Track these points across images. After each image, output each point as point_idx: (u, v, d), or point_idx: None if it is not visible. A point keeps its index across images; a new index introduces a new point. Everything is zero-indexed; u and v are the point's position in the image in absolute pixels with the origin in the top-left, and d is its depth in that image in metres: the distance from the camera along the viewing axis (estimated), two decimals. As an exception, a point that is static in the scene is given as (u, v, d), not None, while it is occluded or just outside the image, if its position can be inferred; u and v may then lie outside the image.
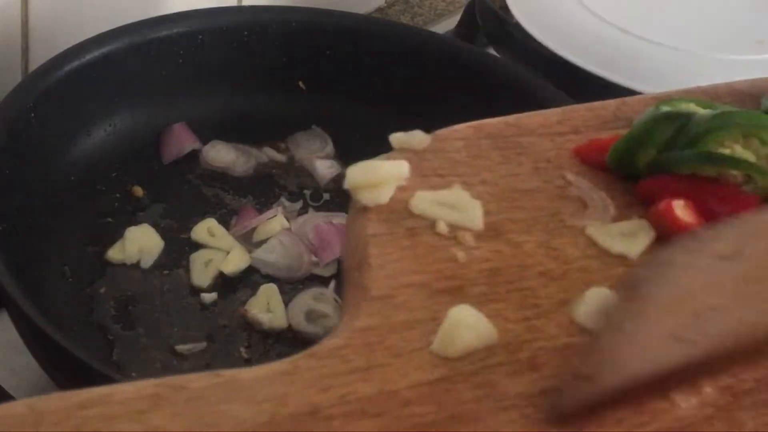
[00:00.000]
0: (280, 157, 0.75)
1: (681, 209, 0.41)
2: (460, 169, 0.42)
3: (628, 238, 0.41)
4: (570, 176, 0.44)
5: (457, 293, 0.37)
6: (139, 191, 0.70)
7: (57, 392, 0.30)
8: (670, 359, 0.34)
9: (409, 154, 0.42)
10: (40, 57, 0.70)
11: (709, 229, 0.39)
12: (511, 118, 0.45)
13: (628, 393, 0.34)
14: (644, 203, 0.43)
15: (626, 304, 0.36)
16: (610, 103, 0.48)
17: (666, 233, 0.41)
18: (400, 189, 0.40)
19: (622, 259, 0.40)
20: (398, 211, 0.40)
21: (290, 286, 0.65)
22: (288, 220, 0.69)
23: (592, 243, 0.41)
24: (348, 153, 0.75)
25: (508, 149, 0.44)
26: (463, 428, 0.32)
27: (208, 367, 0.60)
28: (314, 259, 0.67)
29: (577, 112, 0.47)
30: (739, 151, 0.43)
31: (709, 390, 0.36)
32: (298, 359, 0.33)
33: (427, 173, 0.41)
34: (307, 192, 0.73)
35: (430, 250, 0.38)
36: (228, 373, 0.32)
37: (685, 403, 0.35)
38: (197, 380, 0.32)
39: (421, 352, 0.35)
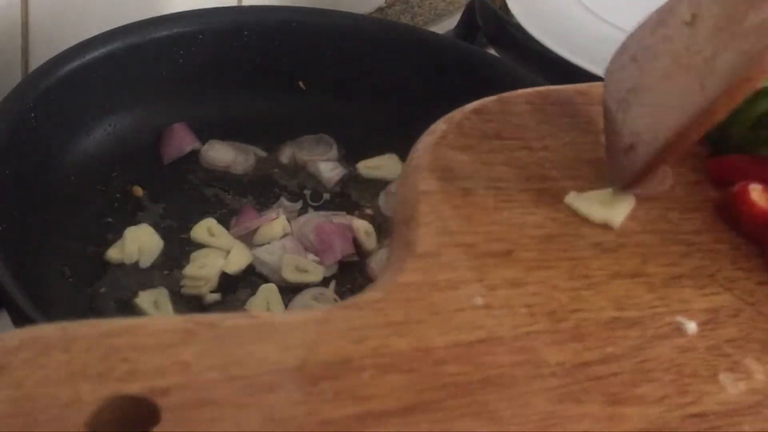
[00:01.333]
0: (281, 158, 0.75)
1: (758, 194, 0.40)
2: (524, 134, 0.41)
3: (608, 206, 0.40)
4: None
5: (505, 257, 0.36)
6: (139, 191, 0.70)
7: (89, 319, 0.30)
8: (692, 108, 0.34)
9: (470, 114, 0.41)
10: (40, 57, 0.70)
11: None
12: (582, 86, 0.44)
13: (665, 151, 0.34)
14: (715, 183, 0.42)
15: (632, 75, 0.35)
16: None
17: (736, 218, 0.40)
18: (458, 148, 0.39)
19: (685, 236, 0.39)
20: (453, 170, 0.38)
21: (290, 286, 0.65)
22: (288, 220, 0.69)
23: (654, 218, 0.40)
24: (348, 153, 0.75)
25: (575, 117, 0.43)
26: (496, 392, 0.32)
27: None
28: (315, 259, 0.67)
29: None
30: None
31: (760, 377, 0.35)
32: (335, 308, 0.33)
33: (489, 135, 0.40)
34: (307, 192, 0.73)
35: (482, 211, 0.37)
36: (262, 315, 0.32)
37: (734, 388, 0.35)
38: (230, 319, 0.31)
39: (462, 312, 0.34)
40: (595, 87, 0.44)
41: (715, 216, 0.41)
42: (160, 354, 0.29)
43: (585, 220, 0.39)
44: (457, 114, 0.42)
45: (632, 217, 0.40)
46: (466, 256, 0.36)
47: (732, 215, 0.40)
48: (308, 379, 0.30)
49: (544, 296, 0.35)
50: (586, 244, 0.38)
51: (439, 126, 0.41)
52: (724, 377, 0.35)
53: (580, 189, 0.40)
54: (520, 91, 0.43)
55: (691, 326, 0.37)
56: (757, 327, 0.38)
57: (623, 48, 0.42)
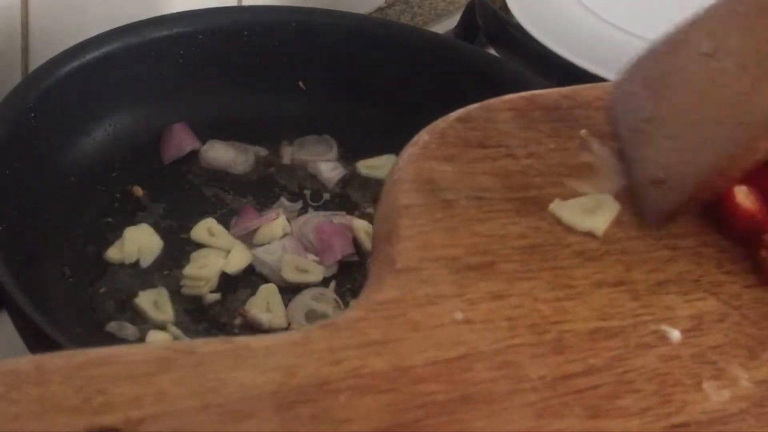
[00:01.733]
0: (281, 158, 0.75)
1: (743, 195, 0.39)
2: (508, 141, 0.40)
3: (591, 214, 0.39)
4: (590, 139, 0.42)
5: (487, 269, 0.36)
6: (139, 191, 0.70)
7: (63, 351, 0.30)
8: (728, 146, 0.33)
9: (454, 123, 0.40)
10: (40, 57, 0.70)
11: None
12: (566, 90, 0.44)
13: (701, 188, 0.34)
14: None
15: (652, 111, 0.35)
16: None
17: (722, 220, 0.39)
18: (441, 159, 0.39)
19: (670, 240, 0.39)
20: (435, 182, 0.38)
21: (290, 286, 0.65)
22: (288, 220, 0.69)
23: (638, 223, 0.39)
24: (348, 153, 0.75)
25: (560, 122, 0.42)
26: (475, 409, 0.31)
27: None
28: (315, 259, 0.67)
29: None
30: None
31: (745, 383, 0.35)
32: (313, 330, 0.33)
33: (472, 144, 0.40)
34: (307, 192, 0.73)
35: (464, 223, 0.37)
36: (239, 340, 0.31)
37: (718, 396, 0.34)
38: (207, 345, 0.31)
39: (442, 328, 0.33)
40: (580, 89, 0.44)
41: (700, 219, 0.40)
42: (136, 383, 0.29)
43: (569, 229, 0.38)
44: (440, 123, 0.41)
45: (617, 222, 0.39)
46: (447, 270, 0.35)
47: (718, 217, 0.40)
48: (284, 404, 0.30)
49: (526, 308, 0.35)
50: (569, 252, 0.37)
51: (422, 137, 0.40)
52: (708, 385, 0.35)
53: (565, 197, 0.39)
54: (504, 97, 0.43)
55: (675, 334, 0.36)
56: (743, 332, 0.37)
57: (630, 74, 0.41)
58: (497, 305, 0.35)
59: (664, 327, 0.36)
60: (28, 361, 0.29)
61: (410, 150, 0.39)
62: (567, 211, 0.39)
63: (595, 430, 0.32)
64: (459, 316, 0.34)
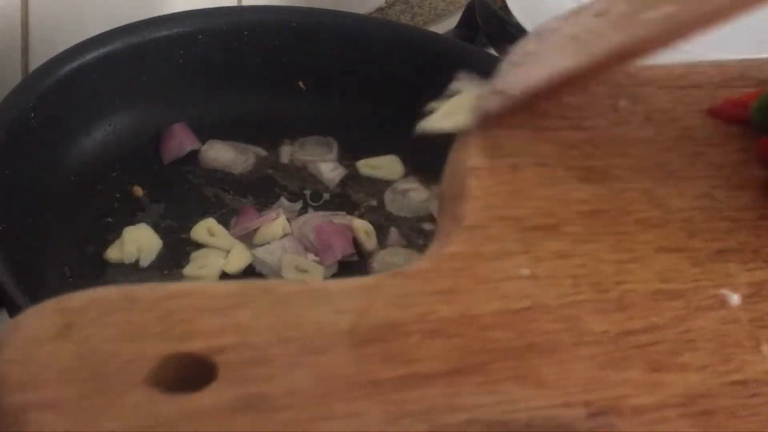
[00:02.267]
0: (281, 158, 0.75)
1: None
2: (571, 113, 0.42)
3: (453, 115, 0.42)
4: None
5: (551, 230, 0.37)
6: (139, 191, 0.70)
7: (148, 284, 0.32)
8: (561, 66, 0.38)
9: (521, 93, 0.42)
10: (40, 57, 0.70)
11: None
12: (630, 69, 0.45)
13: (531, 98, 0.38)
14: (762, 162, 0.42)
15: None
16: (738, 61, 0.48)
17: None
18: (507, 126, 0.40)
19: (731, 213, 0.40)
20: (502, 147, 0.40)
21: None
22: (288, 220, 0.69)
23: (700, 195, 0.41)
24: (348, 153, 0.75)
25: (623, 98, 0.44)
26: (540, 357, 0.33)
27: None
28: (315, 259, 0.67)
29: (701, 67, 0.47)
30: None
31: None
32: (384, 276, 0.34)
33: (536, 113, 0.42)
34: (307, 192, 0.73)
35: (529, 187, 0.38)
36: (315, 282, 0.34)
37: None
38: (284, 286, 0.33)
39: (508, 282, 0.35)
40: (644, 69, 0.46)
41: (761, 195, 0.42)
42: (216, 316, 0.31)
43: (632, 198, 0.40)
44: (507, 92, 0.43)
45: (678, 194, 0.41)
46: (512, 230, 0.37)
47: None
48: (359, 341, 0.31)
49: (590, 268, 0.36)
50: (631, 219, 0.39)
51: (493, 101, 0.42)
52: (766, 348, 0.36)
53: (624, 168, 0.41)
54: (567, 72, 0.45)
55: (735, 298, 0.37)
56: None
57: (536, 30, 0.44)
58: (561, 263, 0.36)
59: (723, 291, 0.38)
60: (117, 291, 0.31)
61: (479, 116, 0.41)
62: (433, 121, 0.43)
63: (655, 382, 0.34)
64: (525, 271, 0.35)
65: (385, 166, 0.75)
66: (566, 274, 0.36)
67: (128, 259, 0.65)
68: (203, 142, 0.74)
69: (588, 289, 0.36)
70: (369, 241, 0.69)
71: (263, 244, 0.67)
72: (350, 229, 0.69)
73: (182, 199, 0.71)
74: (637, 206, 0.39)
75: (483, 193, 0.38)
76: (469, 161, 0.39)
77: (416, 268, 0.35)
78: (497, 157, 0.39)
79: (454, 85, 0.45)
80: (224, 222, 0.69)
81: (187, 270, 0.65)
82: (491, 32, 0.87)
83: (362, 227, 0.69)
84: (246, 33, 0.75)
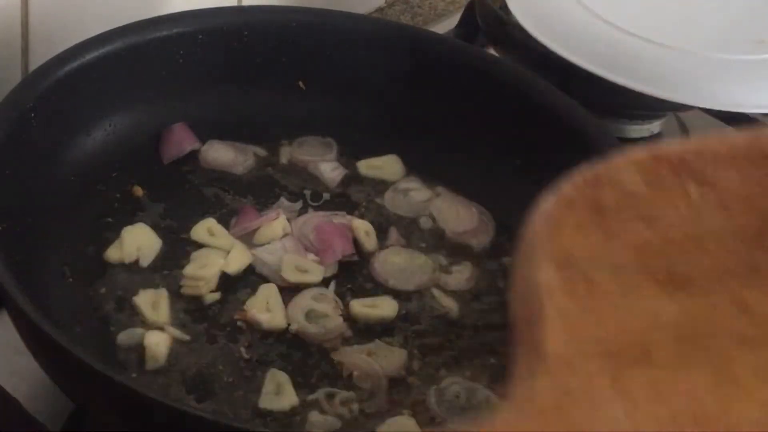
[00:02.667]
0: (281, 158, 0.75)
1: None
2: (640, 205, 0.37)
3: None
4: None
5: (640, 359, 0.33)
6: (139, 191, 0.70)
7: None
8: None
9: (581, 186, 0.37)
10: (40, 57, 0.70)
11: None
12: (692, 143, 0.40)
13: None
14: None
15: None
16: None
17: None
18: (572, 227, 0.36)
19: None
20: (571, 254, 0.35)
21: (290, 286, 0.65)
22: (288, 220, 0.69)
23: None
24: (348, 153, 0.75)
25: (690, 181, 0.39)
26: None
27: (207, 365, 0.60)
28: (315, 259, 0.67)
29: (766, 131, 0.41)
30: None
31: None
32: None
33: (602, 209, 0.37)
34: (307, 192, 0.73)
35: (609, 302, 0.35)
36: None
37: None
38: None
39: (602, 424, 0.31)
40: (708, 143, 0.40)
41: None
42: None
43: (718, 309, 0.35)
44: (567, 187, 0.38)
45: (765, 294, 0.36)
46: (598, 358, 0.33)
47: None
48: None
49: (690, 407, 0.33)
50: (724, 337, 0.35)
51: (548, 204, 0.37)
52: None
53: (706, 270, 0.36)
54: (629, 156, 0.39)
55: None
56: None
57: None
58: (659, 404, 0.33)
59: None
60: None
61: (538, 219, 0.36)
62: None
63: None
64: (620, 413, 0.32)
65: (385, 166, 0.75)
66: (666, 415, 0.32)
67: (128, 259, 0.65)
68: (203, 142, 0.74)
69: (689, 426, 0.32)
70: (369, 241, 0.69)
71: (263, 244, 0.67)
72: (350, 229, 0.69)
73: (182, 199, 0.71)
74: (727, 320, 0.35)
75: (560, 314, 0.34)
76: (540, 275, 0.35)
77: (502, 419, 0.31)
78: (569, 267, 0.35)
79: None
80: (224, 222, 0.69)
81: (187, 270, 0.65)
82: (491, 32, 0.87)
83: (362, 227, 0.69)
84: (246, 33, 0.75)
